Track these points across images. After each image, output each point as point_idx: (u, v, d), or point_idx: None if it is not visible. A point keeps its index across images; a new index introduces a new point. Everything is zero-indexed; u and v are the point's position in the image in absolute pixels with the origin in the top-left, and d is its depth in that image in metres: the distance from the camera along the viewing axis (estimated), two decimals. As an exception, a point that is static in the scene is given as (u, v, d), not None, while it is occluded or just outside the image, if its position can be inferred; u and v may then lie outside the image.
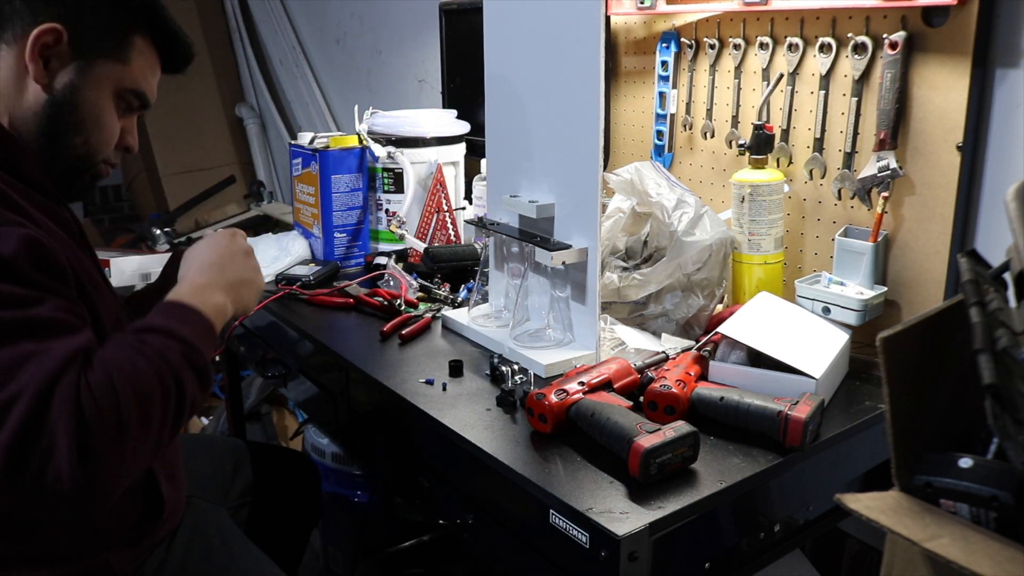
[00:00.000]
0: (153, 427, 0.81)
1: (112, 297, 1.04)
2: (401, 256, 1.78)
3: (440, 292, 1.61)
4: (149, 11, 1.04)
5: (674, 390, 1.10)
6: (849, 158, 1.38)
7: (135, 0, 1.02)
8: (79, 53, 0.98)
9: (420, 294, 1.62)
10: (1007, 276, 0.81)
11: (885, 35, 1.28)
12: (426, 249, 1.69)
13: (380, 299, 1.56)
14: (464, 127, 1.92)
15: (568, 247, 1.27)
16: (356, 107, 1.90)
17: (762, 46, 1.48)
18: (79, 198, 1.08)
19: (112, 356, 0.82)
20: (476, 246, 1.72)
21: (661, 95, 1.68)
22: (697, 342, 1.29)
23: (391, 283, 1.63)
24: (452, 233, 1.86)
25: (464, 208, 1.91)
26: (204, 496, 1.25)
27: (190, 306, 0.94)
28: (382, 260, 1.75)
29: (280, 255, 1.77)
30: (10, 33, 0.96)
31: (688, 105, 1.64)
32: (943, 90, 1.25)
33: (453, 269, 1.70)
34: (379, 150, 1.80)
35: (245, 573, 1.18)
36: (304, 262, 1.79)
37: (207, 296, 0.97)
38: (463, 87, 2.15)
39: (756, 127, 1.42)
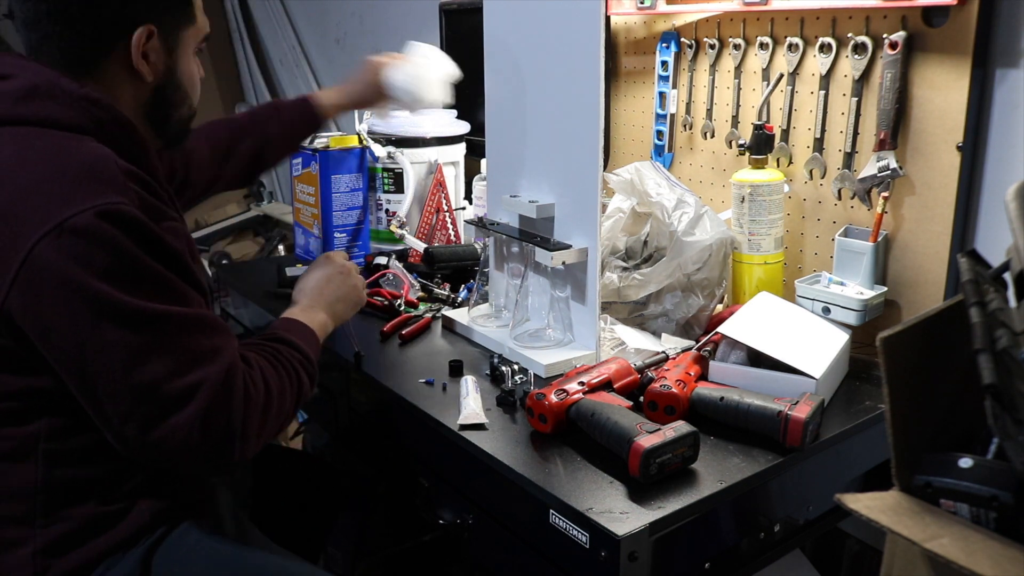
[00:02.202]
0: (284, 416, 1.04)
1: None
2: (401, 256, 1.78)
3: (440, 292, 1.61)
4: None
5: (674, 390, 1.10)
6: (849, 158, 1.38)
7: None
8: (168, 36, 1.05)
9: (420, 294, 1.62)
10: (1007, 276, 0.81)
11: (885, 35, 1.28)
12: (426, 249, 1.69)
13: (380, 299, 1.56)
14: (464, 127, 1.92)
15: (568, 247, 1.27)
16: (356, 107, 1.89)
17: (762, 46, 1.48)
18: (182, 143, 1.18)
19: (259, 361, 1.02)
20: (476, 246, 1.72)
21: (661, 95, 1.68)
22: (697, 342, 1.29)
23: (393, 283, 1.63)
24: (452, 233, 1.86)
25: (464, 208, 1.91)
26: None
27: (303, 323, 1.17)
28: (382, 260, 1.75)
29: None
30: (99, 51, 1.01)
31: (688, 105, 1.64)
32: (943, 90, 1.25)
33: (453, 269, 1.70)
34: (379, 150, 1.80)
35: (257, 557, 1.18)
36: (304, 262, 1.79)
37: (312, 316, 1.19)
38: (463, 87, 2.15)
39: (756, 127, 1.42)
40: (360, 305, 1.31)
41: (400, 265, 1.69)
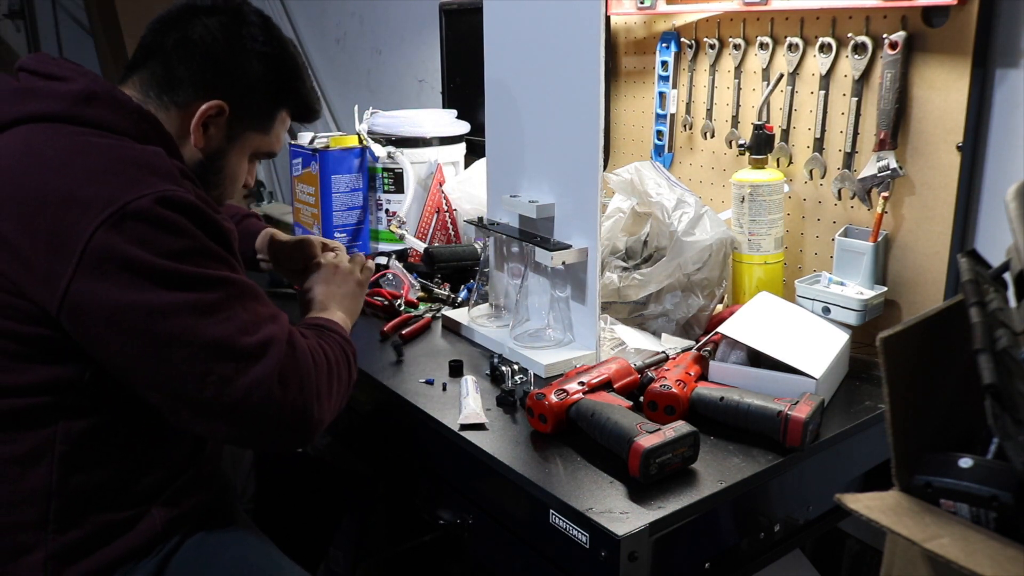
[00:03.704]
0: (344, 387, 1.07)
1: None
2: (401, 256, 1.78)
3: (440, 292, 1.61)
4: (298, 94, 1.17)
5: (674, 390, 1.10)
6: (849, 158, 1.38)
7: (289, 85, 1.16)
8: (234, 126, 1.11)
9: (420, 294, 1.62)
10: (1007, 276, 0.81)
11: (885, 35, 1.28)
12: (426, 249, 1.69)
13: (380, 299, 1.56)
14: (464, 127, 1.92)
15: (568, 247, 1.27)
16: (356, 107, 1.89)
17: (762, 46, 1.48)
18: None
19: (310, 334, 1.07)
20: (476, 246, 1.72)
21: (661, 95, 1.68)
22: (697, 342, 1.29)
23: (393, 283, 1.63)
24: (452, 233, 1.86)
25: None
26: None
27: (328, 318, 1.19)
28: (382, 260, 1.75)
29: None
30: (172, 99, 1.07)
31: (688, 105, 1.64)
32: (943, 90, 1.25)
33: (453, 269, 1.70)
34: (379, 150, 1.80)
35: (268, 562, 1.18)
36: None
37: (332, 315, 1.21)
38: (463, 87, 2.15)
39: (756, 127, 1.42)
40: (363, 289, 1.32)
41: (400, 265, 1.69)
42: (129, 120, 1.01)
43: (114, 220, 0.89)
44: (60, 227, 0.90)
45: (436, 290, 1.61)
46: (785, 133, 1.47)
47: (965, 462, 0.73)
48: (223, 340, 0.92)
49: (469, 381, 1.20)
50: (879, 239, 1.32)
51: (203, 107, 1.07)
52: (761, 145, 1.42)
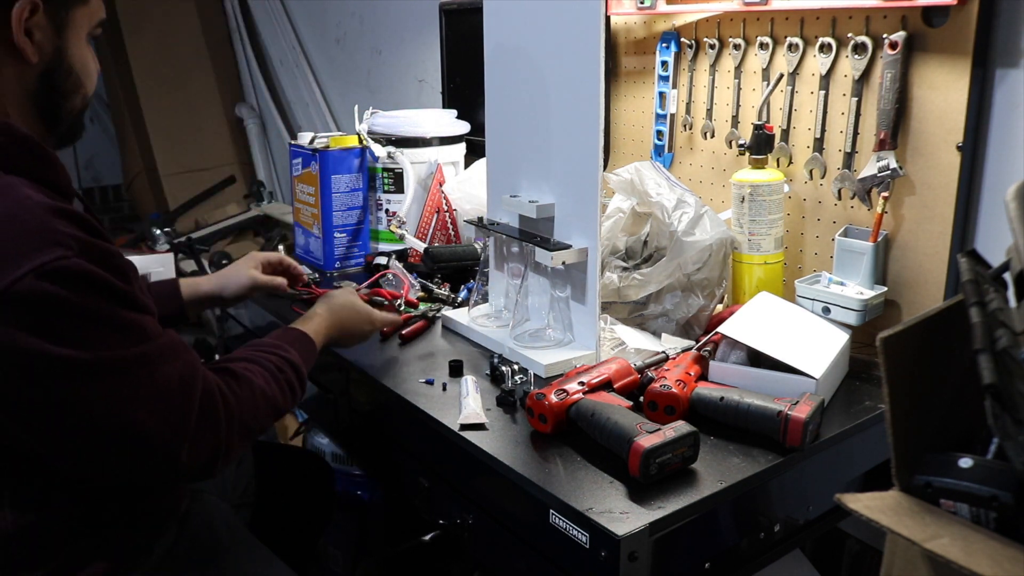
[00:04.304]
0: (258, 430, 1.05)
1: None
2: (401, 256, 1.78)
3: (441, 292, 1.61)
4: None
5: (674, 390, 1.10)
6: (849, 158, 1.38)
7: None
8: (55, 14, 0.95)
9: (420, 294, 1.62)
10: (1007, 276, 0.81)
11: (885, 35, 1.28)
12: (426, 249, 1.69)
13: (380, 299, 1.56)
14: (464, 127, 1.92)
15: (568, 247, 1.27)
16: (356, 107, 1.90)
17: (762, 46, 1.48)
18: (75, 141, 1.09)
19: (250, 377, 1.04)
20: (476, 246, 1.72)
21: (661, 95, 1.68)
22: (697, 342, 1.29)
23: (393, 283, 1.63)
24: (452, 233, 1.86)
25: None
26: (209, 491, 1.25)
27: (305, 334, 1.20)
28: (382, 260, 1.75)
29: None
30: None
31: (688, 105, 1.64)
32: (943, 90, 1.25)
33: (453, 269, 1.70)
34: (379, 150, 1.80)
35: (250, 566, 1.18)
36: (304, 262, 1.79)
37: (318, 329, 1.23)
38: (463, 87, 2.15)
39: (756, 127, 1.42)
40: (361, 341, 1.34)
41: (400, 265, 1.69)
42: None
43: None
44: None
45: (436, 290, 1.61)
46: (785, 133, 1.47)
47: (965, 462, 0.74)
48: (134, 431, 0.87)
49: (469, 381, 1.20)
50: (879, 239, 1.32)
51: (14, 13, 0.90)
52: (761, 145, 1.42)
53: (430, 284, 1.63)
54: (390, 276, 1.64)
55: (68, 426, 0.86)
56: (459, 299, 1.59)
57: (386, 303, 1.55)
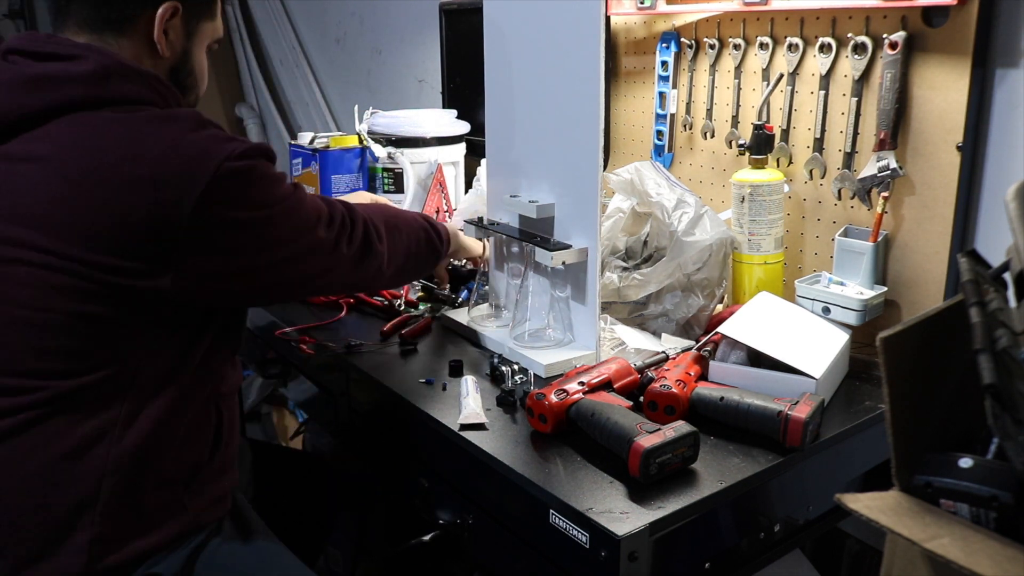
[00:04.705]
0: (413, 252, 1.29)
1: None
2: None
3: (441, 292, 1.61)
4: None
5: (674, 390, 1.10)
6: (849, 158, 1.38)
7: None
8: (188, 21, 1.11)
9: (420, 294, 1.62)
10: (1007, 276, 0.81)
11: (885, 35, 1.28)
12: None
13: (380, 299, 1.56)
14: (464, 127, 1.92)
15: (568, 247, 1.27)
16: (356, 107, 1.90)
17: (762, 46, 1.48)
18: None
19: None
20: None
21: (661, 95, 1.68)
22: (697, 342, 1.29)
23: None
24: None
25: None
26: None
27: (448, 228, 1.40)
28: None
29: None
30: (124, 24, 1.06)
31: (688, 105, 1.64)
32: (943, 90, 1.25)
33: (451, 274, 1.70)
34: (379, 150, 1.80)
35: (279, 560, 1.19)
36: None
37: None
38: (463, 87, 2.15)
39: (756, 127, 1.42)
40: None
41: None
42: (148, 87, 1.04)
43: (215, 183, 0.96)
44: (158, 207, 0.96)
45: (436, 290, 1.61)
46: (785, 133, 1.47)
47: (965, 462, 0.73)
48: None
49: (469, 381, 1.20)
50: (879, 239, 1.32)
51: (159, 12, 1.06)
52: (761, 145, 1.42)
53: (431, 284, 1.63)
54: None
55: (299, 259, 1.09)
56: (459, 299, 1.59)
57: (385, 303, 1.55)
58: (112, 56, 1.03)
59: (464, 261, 1.59)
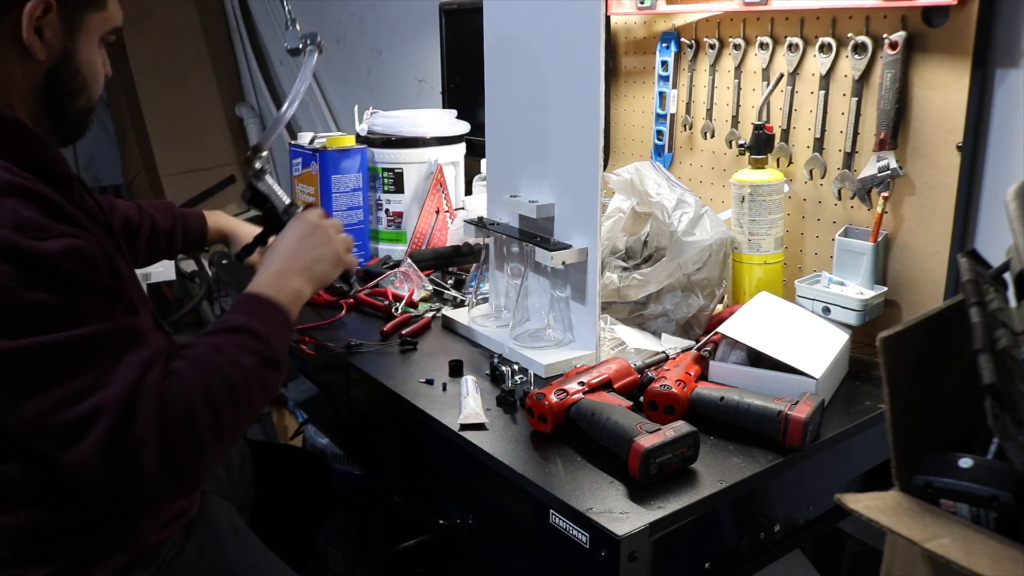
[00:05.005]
0: (229, 426, 0.90)
1: (135, 279, 1.07)
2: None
3: (450, 292, 1.61)
4: None
5: (674, 390, 1.10)
6: (849, 158, 1.38)
7: None
8: (68, 16, 0.96)
9: (426, 293, 1.62)
10: (1007, 276, 0.81)
11: (885, 35, 1.28)
12: (411, 254, 1.72)
13: (381, 299, 1.56)
14: (464, 127, 1.92)
15: (568, 247, 1.27)
16: (356, 107, 1.89)
17: (762, 46, 1.48)
18: (79, 139, 1.08)
19: (191, 368, 0.89)
20: (466, 244, 1.73)
21: (661, 95, 1.68)
22: (697, 342, 1.29)
23: (398, 281, 1.62)
24: (452, 233, 1.86)
25: (463, 208, 1.91)
26: (215, 493, 1.25)
27: (267, 298, 1.03)
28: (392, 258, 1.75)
29: None
30: None
31: (688, 105, 1.64)
32: (943, 90, 1.25)
33: (435, 268, 1.71)
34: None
35: (255, 569, 1.18)
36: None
37: (284, 283, 1.06)
38: (463, 87, 2.15)
39: (756, 127, 1.42)
40: (343, 264, 1.19)
41: (414, 264, 1.68)
42: None
43: None
44: None
45: (446, 291, 1.62)
46: (785, 133, 1.47)
47: (965, 462, 0.74)
48: (36, 420, 0.83)
49: (469, 381, 1.20)
50: (879, 239, 1.32)
51: (27, 10, 0.91)
52: (761, 145, 1.42)
53: (443, 283, 1.64)
54: (399, 274, 1.63)
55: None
56: (467, 299, 1.59)
57: (385, 303, 1.55)
58: None
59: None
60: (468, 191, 1.96)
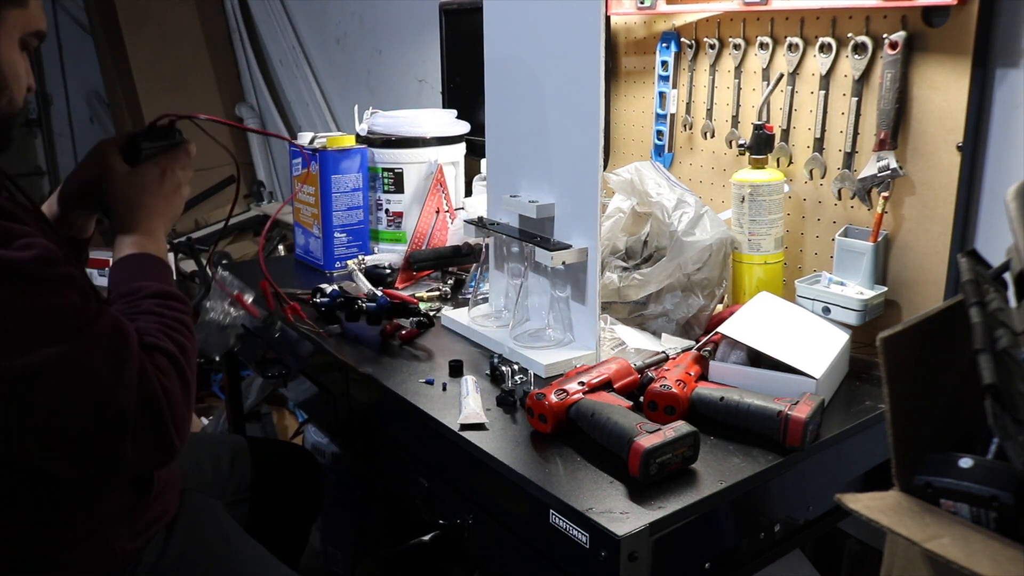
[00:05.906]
0: (192, 380, 0.96)
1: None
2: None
3: (434, 290, 1.62)
4: None
5: (674, 390, 1.10)
6: (849, 158, 1.38)
7: None
8: None
9: (422, 294, 1.62)
10: (1007, 276, 0.81)
11: (885, 35, 1.28)
12: (411, 254, 1.72)
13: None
14: (464, 127, 1.92)
15: (568, 247, 1.27)
16: (356, 107, 1.89)
17: (762, 46, 1.48)
18: (4, 151, 1.02)
19: (157, 338, 0.94)
20: (466, 244, 1.73)
21: (661, 95, 1.68)
22: (697, 342, 1.29)
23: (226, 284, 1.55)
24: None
25: (463, 208, 1.91)
26: (201, 490, 1.25)
27: (158, 258, 1.06)
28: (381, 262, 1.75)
29: None
30: None
31: (688, 105, 1.64)
32: (943, 90, 1.25)
33: (435, 268, 1.71)
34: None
35: (243, 565, 1.18)
36: (302, 262, 1.78)
37: (159, 243, 1.09)
38: (463, 87, 2.15)
39: (756, 127, 1.42)
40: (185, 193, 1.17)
41: (227, 274, 1.56)
42: None
43: None
44: None
45: (432, 290, 1.62)
46: (785, 133, 1.47)
47: (965, 462, 0.73)
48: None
49: (469, 381, 1.20)
50: (879, 239, 1.32)
51: None
52: (761, 145, 1.42)
53: (444, 286, 1.65)
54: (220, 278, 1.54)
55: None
56: (462, 296, 1.59)
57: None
58: None
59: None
60: (468, 191, 1.96)
